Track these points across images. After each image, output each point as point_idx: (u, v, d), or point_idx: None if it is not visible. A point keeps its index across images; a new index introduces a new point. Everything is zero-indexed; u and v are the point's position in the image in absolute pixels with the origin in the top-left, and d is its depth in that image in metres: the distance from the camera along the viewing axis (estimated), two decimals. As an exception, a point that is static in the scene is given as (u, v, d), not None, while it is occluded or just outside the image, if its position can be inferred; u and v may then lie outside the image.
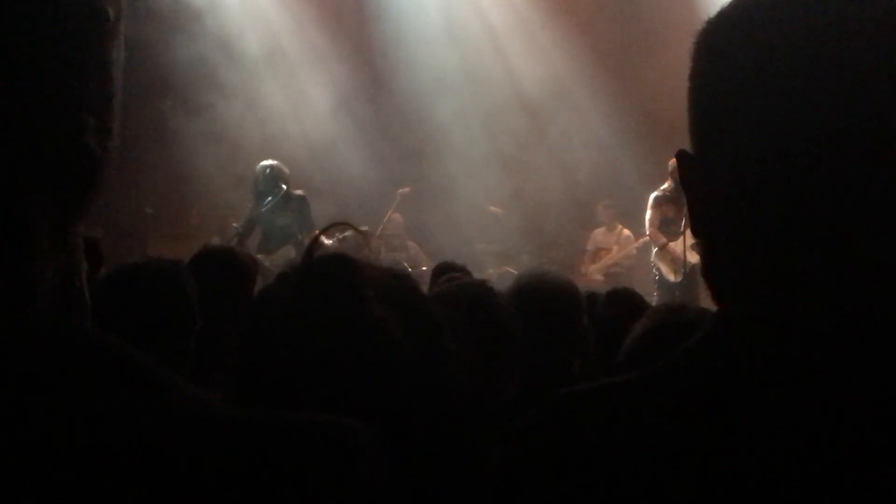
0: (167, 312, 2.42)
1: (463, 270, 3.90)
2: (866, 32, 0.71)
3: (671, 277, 8.41)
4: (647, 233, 8.90)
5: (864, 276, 0.70)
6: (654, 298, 7.97)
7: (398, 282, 0.99)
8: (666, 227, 8.56)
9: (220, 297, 2.85)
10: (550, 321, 2.51)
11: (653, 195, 8.68)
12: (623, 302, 3.04)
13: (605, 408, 0.76)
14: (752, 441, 0.69)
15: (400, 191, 9.69)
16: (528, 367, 2.21)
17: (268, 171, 7.57)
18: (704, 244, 0.80)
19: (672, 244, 8.49)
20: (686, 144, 0.81)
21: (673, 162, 8.36)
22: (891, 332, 0.70)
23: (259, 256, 6.97)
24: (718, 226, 0.77)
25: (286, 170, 7.71)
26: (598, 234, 9.68)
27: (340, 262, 0.94)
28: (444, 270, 3.80)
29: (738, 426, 0.70)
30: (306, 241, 7.38)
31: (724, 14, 0.78)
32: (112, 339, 0.51)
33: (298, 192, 7.65)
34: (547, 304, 2.56)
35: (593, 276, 9.37)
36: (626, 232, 9.32)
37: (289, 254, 7.46)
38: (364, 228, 8.41)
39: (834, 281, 0.71)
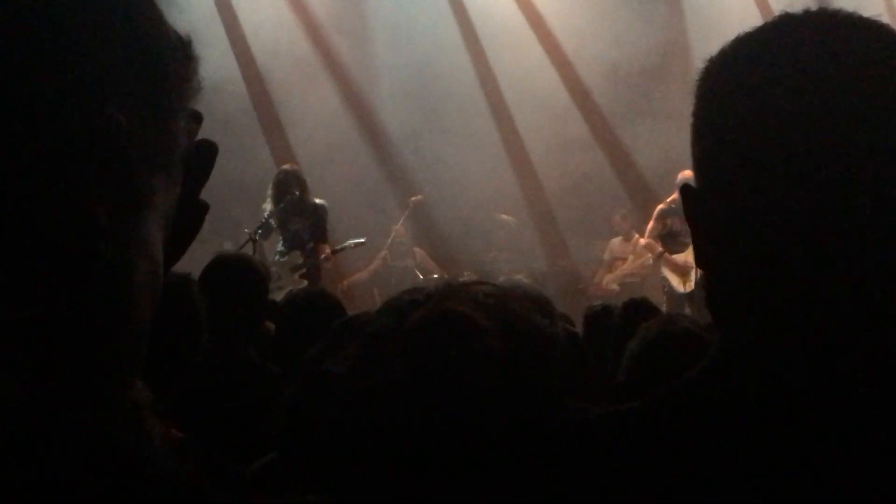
0: (176, 326, 2.43)
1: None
2: (857, 74, 0.74)
3: (680, 288, 8.43)
4: (644, 242, 8.94)
5: (863, 306, 0.73)
6: (662, 309, 7.97)
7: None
8: (672, 238, 8.59)
9: (237, 306, 2.87)
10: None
11: (659, 207, 8.73)
12: (637, 311, 3.10)
13: (610, 437, 0.79)
14: (752, 472, 0.72)
15: (412, 198, 9.72)
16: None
17: (282, 175, 7.49)
18: (708, 275, 0.84)
19: (676, 256, 8.51)
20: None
21: (682, 175, 8.42)
22: (891, 363, 0.73)
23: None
24: (721, 257, 0.80)
25: (303, 176, 7.59)
26: (615, 243, 9.65)
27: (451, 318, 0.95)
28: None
29: (740, 458, 0.73)
30: (319, 250, 7.32)
31: (724, 54, 0.81)
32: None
33: (319, 200, 7.48)
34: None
35: (608, 286, 9.35)
36: (643, 241, 9.30)
37: (295, 260, 7.31)
38: (362, 241, 8.15)
39: (833, 312, 0.74)
